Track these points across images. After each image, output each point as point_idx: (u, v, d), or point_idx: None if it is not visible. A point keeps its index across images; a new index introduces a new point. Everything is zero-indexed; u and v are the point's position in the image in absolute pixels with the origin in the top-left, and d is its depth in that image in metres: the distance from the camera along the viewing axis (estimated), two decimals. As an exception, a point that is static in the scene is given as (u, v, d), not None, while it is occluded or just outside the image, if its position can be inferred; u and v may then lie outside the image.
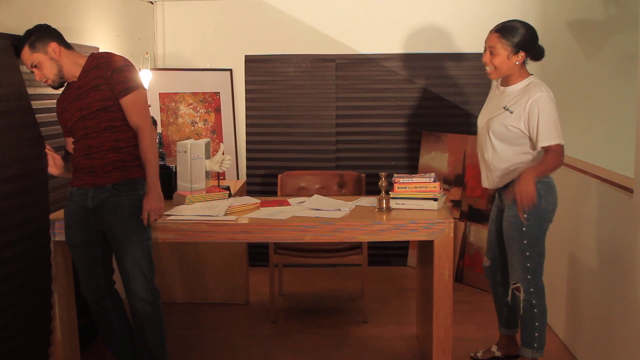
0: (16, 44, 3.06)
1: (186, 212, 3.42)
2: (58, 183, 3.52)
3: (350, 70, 5.29)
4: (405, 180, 3.54)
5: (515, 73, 3.29)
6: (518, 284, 3.33)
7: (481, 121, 3.42)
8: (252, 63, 5.33)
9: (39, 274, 3.22)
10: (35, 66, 3.03)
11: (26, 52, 3.03)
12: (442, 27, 5.22)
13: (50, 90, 3.34)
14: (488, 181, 3.42)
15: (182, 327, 4.22)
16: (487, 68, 3.30)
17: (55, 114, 3.25)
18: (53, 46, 3.04)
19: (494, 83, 3.48)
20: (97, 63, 3.12)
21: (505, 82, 3.34)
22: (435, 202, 3.47)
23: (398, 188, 3.53)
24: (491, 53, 3.26)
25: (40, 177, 3.22)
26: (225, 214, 3.44)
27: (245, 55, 5.32)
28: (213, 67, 5.31)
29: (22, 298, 3.09)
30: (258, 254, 5.19)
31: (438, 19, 5.22)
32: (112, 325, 3.30)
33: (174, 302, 4.59)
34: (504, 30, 3.24)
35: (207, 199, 3.70)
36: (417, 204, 3.49)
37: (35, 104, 3.28)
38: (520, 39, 3.21)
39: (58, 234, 3.28)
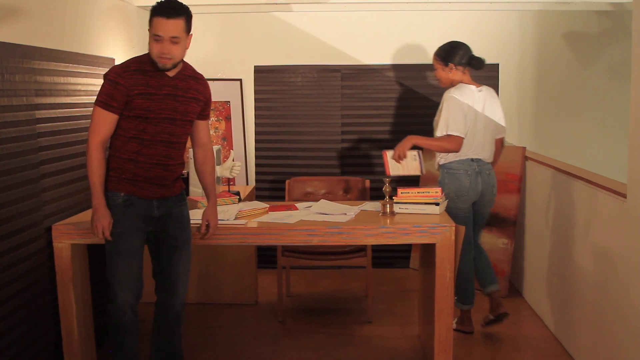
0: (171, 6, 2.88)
1: (198, 216, 3.42)
2: (67, 191, 3.64)
3: (355, 80, 5.35)
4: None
5: (456, 81, 3.94)
6: None
7: None
8: (261, 73, 5.39)
9: (37, 279, 3.28)
10: (173, 39, 2.87)
11: (180, 23, 2.87)
12: (444, 39, 5.19)
13: (54, 100, 3.38)
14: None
15: (193, 326, 4.26)
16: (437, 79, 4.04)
17: (120, 87, 2.89)
18: (190, 38, 2.98)
19: None
20: (196, 76, 3.12)
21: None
22: (437, 207, 3.53)
23: (401, 193, 3.60)
24: (434, 69, 3.99)
25: (35, 186, 3.25)
26: (236, 218, 3.49)
27: (255, 66, 5.38)
28: (224, 77, 5.37)
29: (22, 303, 3.15)
30: (266, 256, 5.20)
31: (440, 31, 5.21)
32: (136, 330, 3.18)
33: (186, 302, 4.57)
34: (437, 51, 3.97)
35: (218, 204, 3.64)
36: (419, 209, 3.55)
37: (40, 114, 3.29)
38: (445, 55, 3.92)
39: (76, 238, 3.33)
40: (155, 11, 2.88)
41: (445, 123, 3.81)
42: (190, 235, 3.23)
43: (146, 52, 3.01)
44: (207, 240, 3.34)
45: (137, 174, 3.01)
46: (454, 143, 3.81)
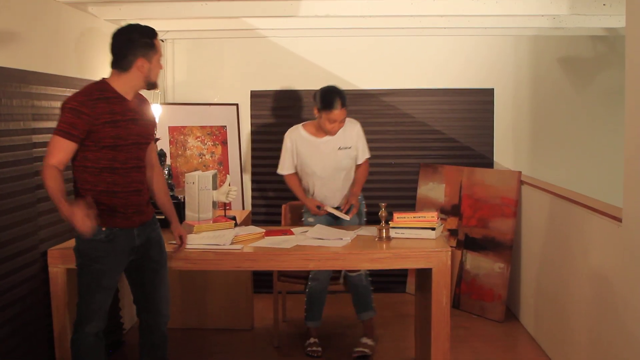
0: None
1: (194, 241, 3.47)
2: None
3: (350, 105, 5.30)
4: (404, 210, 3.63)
5: None
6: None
7: (324, 168, 4.12)
8: (258, 98, 5.41)
9: (32, 304, 3.28)
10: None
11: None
12: (438, 64, 5.34)
13: (51, 124, 3.30)
14: (336, 202, 4.19)
15: (189, 351, 4.25)
16: (334, 133, 4.05)
17: (84, 117, 2.76)
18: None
19: (301, 139, 4.18)
20: (143, 98, 3.11)
21: (322, 133, 4.10)
22: (433, 231, 3.54)
23: (397, 218, 3.61)
24: (340, 122, 4.01)
25: (31, 211, 3.27)
26: (232, 243, 3.49)
27: (251, 91, 5.40)
28: (220, 101, 5.38)
29: (17, 328, 3.16)
30: (262, 281, 5.17)
31: (436, 56, 5.33)
32: (103, 355, 3.05)
33: (181, 327, 4.61)
34: (345, 101, 4.02)
35: (214, 229, 3.74)
36: (415, 233, 3.56)
37: (37, 138, 3.30)
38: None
39: (71, 262, 3.23)
40: (155, 34, 3.00)
41: (366, 148, 4.23)
42: (167, 255, 3.24)
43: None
44: (197, 264, 3.39)
45: (115, 204, 2.93)
46: (368, 164, 4.30)
